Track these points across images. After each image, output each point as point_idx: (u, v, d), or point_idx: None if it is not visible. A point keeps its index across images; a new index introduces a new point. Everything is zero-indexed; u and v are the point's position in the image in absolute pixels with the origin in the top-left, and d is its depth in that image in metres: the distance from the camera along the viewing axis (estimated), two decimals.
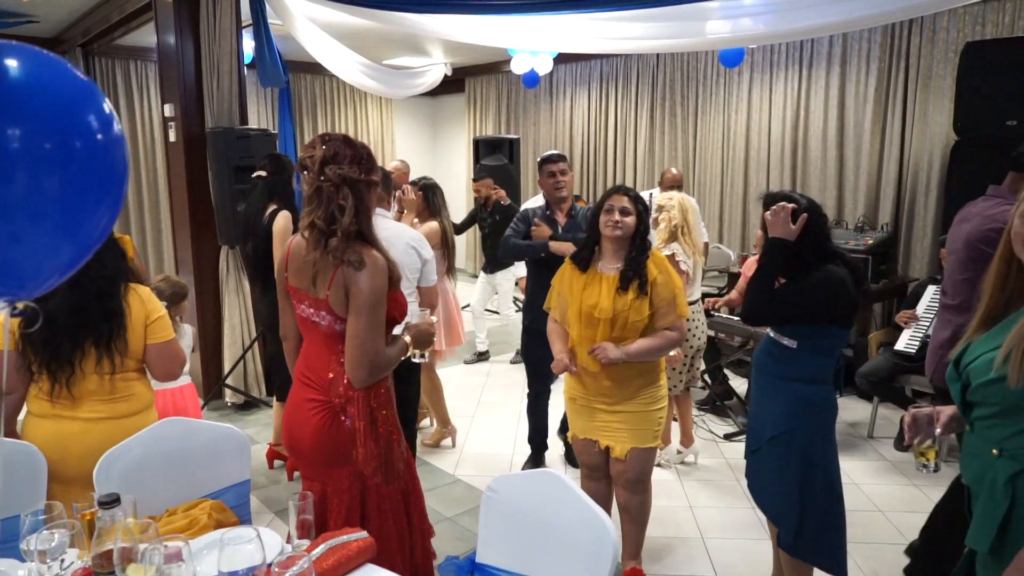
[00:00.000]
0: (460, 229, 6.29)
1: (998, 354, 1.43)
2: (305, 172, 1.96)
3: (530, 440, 3.98)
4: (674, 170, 5.72)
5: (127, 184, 1.11)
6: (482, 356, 6.14)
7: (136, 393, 2.25)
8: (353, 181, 1.91)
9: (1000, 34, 5.01)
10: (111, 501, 1.48)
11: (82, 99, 0.99)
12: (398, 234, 3.01)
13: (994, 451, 1.48)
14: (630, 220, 2.60)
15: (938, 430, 1.71)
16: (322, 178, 1.91)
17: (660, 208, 3.80)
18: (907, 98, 5.64)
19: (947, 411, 1.72)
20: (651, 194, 5.65)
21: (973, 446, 1.55)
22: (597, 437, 2.72)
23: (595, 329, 2.60)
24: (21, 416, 2.22)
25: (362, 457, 2.00)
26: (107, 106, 1.05)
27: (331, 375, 2.00)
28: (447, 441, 4.36)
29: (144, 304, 2.23)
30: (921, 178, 5.57)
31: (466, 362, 6.06)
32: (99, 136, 1.01)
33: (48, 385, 2.11)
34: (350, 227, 1.89)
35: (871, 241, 5.22)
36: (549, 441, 4.02)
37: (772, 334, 2.47)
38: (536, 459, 3.97)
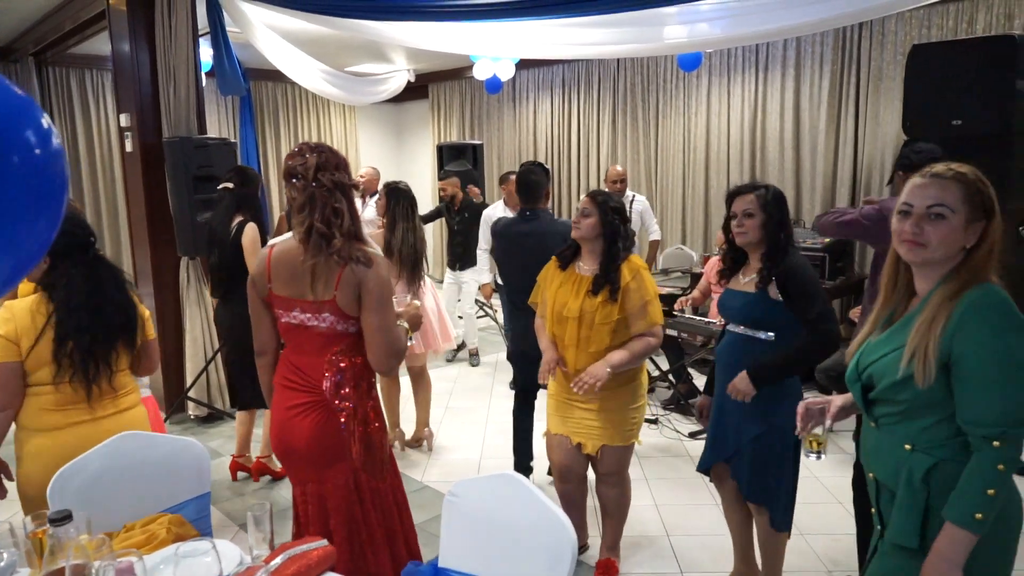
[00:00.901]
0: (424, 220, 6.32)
1: (903, 355, 1.48)
2: (295, 180, 2.00)
3: (517, 466, 3.73)
4: (619, 167, 5.76)
5: (67, 198, 1.11)
6: (459, 349, 6.23)
7: (134, 383, 2.44)
8: (344, 186, 2.00)
9: (944, 36, 5.18)
10: (62, 518, 1.46)
11: (19, 114, 0.98)
12: None
13: (907, 446, 1.53)
14: (588, 221, 2.64)
15: (828, 421, 1.78)
16: (315, 184, 1.97)
17: None
18: (859, 99, 5.79)
19: (837, 402, 1.78)
20: (633, 196, 5.69)
21: (882, 443, 1.60)
22: (570, 434, 2.76)
23: (564, 327, 2.66)
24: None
25: (356, 453, 2.07)
26: (45, 121, 1.05)
27: (326, 374, 2.04)
28: (415, 448, 4.38)
29: (139, 303, 2.41)
30: (875, 177, 5.72)
31: (447, 360, 6.13)
32: (37, 151, 1.01)
33: (83, 392, 2.20)
34: (350, 228, 1.97)
35: (828, 240, 5.34)
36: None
37: (743, 331, 2.48)
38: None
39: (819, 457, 1.84)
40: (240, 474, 3.96)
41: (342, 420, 2.05)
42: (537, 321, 2.87)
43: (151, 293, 4.80)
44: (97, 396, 2.23)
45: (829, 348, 2.41)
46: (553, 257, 2.82)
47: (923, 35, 5.32)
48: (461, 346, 6.28)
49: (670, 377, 4.96)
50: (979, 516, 1.41)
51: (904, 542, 1.55)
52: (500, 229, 3.62)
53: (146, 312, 2.42)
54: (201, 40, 4.92)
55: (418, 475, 4.00)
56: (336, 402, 2.04)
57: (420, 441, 4.38)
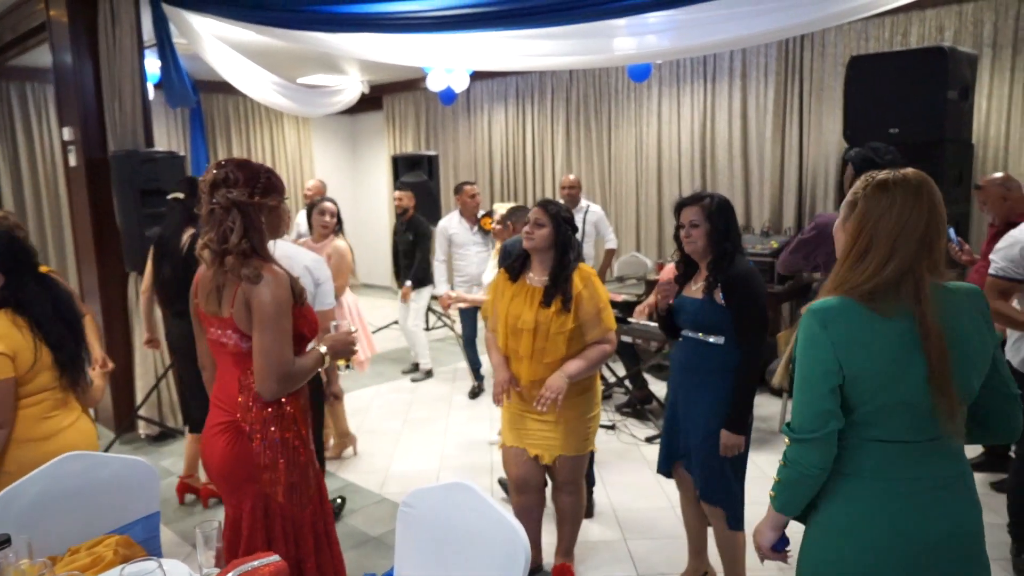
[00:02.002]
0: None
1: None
2: (202, 197, 2.02)
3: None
4: (572, 176, 5.80)
5: None
6: (428, 374, 6.08)
7: None
8: (243, 204, 1.95)
9: (881, 48, 5.39)
10: (1, 543, 1.42)
11: None
12: (295, 256, 3.01)
13: None
14: (542, 232, 2.63)
15: None
16: (213, 202, 1.96)
17: None
18: (803, 108, 5.97)
19: None
20: (588, 206, 5.72)
21: None
22: (526, 446, 2.75)
23: (519, 339, 2.64)
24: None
25: (268, 479, 2.01)
26: None
27: (240, 396, 2.01)
28: (349, 451, 4.43)
29: None
30: (819, 183, 5.91)
31: (413, 380, 6.00)
32: None
33: (72, 394, 2.42)
34: (240, 246, 1.93)
35: (776, 244, 5.49)
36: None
37: (696, 335, 2.55)
38: None
39: None
40: (188, 496, 3.87)
41: (251, 440, 1.99)
42: (488, 335, 2.86)
43: (98, 310, 4.68)
44: (81, 396, 2.46)
45: (757, 359, 2.49)
46: (501, 269, 2.82)
47: (861, 47, 5.52)
48: (416, 367, 6.14)
49: (626, 383, 5.02)
50: (772, 494, 1.59)
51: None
52: (511, 244, 3.64)
53: None
54: (148, 52, 4.84)
55: (376, 487, 3.98)
56: (248, 424, 1.99)
57: (340, 451, 4.43)
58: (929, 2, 5.15)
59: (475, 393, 5.49)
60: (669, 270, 4.82)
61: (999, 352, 1.57)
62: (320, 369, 2.09)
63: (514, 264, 2.76)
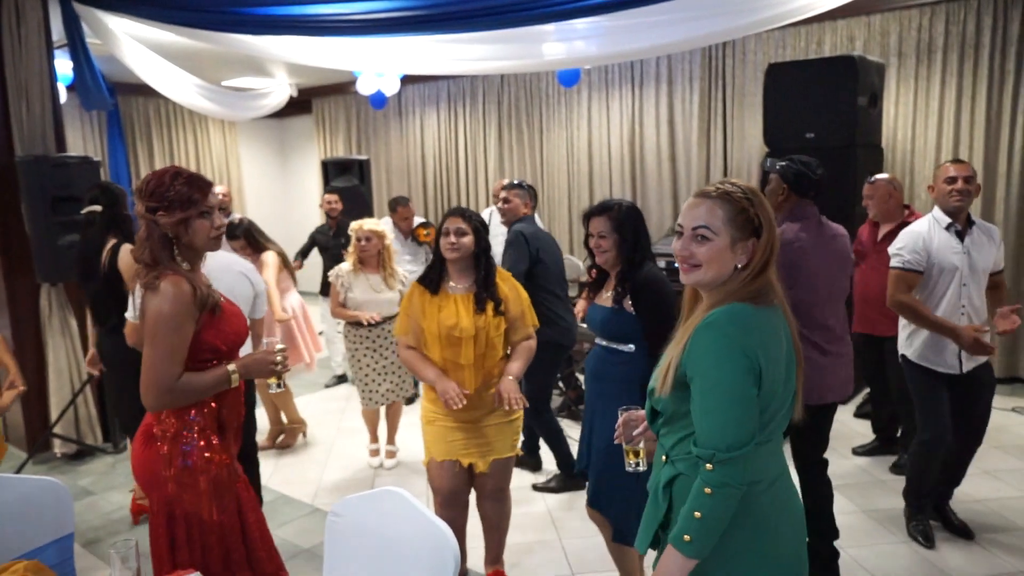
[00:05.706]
0: (304, 254, 6.21)
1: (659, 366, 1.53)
2: None
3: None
4: (504, 181, 5.85)
5: None
6: (341, 379, 6.02)
7: None
8: (145, 218, 1.95)
9: (798, 56, 5.62)
10: None
11: None
12: (228, 263, 2.98)
13: (663, 457, 1.57)
14: (466, 240, 2.63)
15: (639, 429, 1.80)
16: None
17: None
18: (726, 114, 6.17)
19: None
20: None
21: (657, 454, 1.63)
22: (458, 457, 2.73)
23: (458, 348, 2.62)
24: None
25: (172, 486, 1.94)
26: None
27: None
28: (310, 466, 4.33)
29: None
30: None
31: (326, 386, 5.94)
32: None
33: None
34: (142, 257, 1.94)
35: None
36: None
37: (607, 343, 2.55)
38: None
39: (638, 467, 1.83)
40: (117, 515, 3.71)
41: (161, 450, 1.95)
42: (407, 353, 2.76)
43: (7, 324, 4.43)
44: None
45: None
46: (415, 283, 2.76)
47: (779, 55, 5.74)
48: (343, 377, 6.02)
49: (560, 384, 5.07)
50: (687, 538, 1.39)
51: (638, 547, 1.62)
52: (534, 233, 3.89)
53: None
54: (59, 52, 4.63)
55: (308, 498, 3.90)
56: (160, 431, 1.96)
57: (294, 439, 4.64)
58: (840, 13, 5.39)
59: (410, 400, 5.43)
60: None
61: None
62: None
63: (431, 276, 2.72)
